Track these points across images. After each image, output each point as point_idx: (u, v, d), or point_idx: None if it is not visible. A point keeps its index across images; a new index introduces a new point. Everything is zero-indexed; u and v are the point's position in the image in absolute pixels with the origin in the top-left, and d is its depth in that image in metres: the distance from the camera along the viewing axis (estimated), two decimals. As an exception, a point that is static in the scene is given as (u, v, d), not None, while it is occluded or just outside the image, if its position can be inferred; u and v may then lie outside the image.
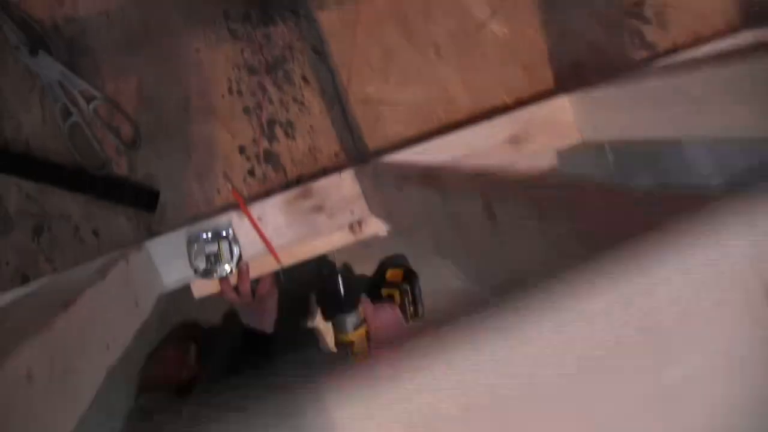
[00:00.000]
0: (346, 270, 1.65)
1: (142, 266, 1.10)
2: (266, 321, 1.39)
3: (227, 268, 1.20)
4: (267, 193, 1.24)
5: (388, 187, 0.95)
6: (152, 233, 1.21)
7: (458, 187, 0.56)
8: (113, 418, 1.47)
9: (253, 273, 1.32)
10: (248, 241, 1.22)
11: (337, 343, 1.45)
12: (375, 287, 1.62)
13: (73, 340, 0.68)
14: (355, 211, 1.26)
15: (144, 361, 1.56)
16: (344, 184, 1.23)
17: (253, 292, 1.35)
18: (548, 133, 1.23)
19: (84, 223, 1.18)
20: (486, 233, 0.46)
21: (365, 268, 1.71)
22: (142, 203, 1.18)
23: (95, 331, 0.76)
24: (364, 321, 1.44)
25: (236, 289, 1.31)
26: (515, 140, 1.23)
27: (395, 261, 1.68)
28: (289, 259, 1.32)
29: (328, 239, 1.29)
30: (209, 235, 1.18)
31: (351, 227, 1.32)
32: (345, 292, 1.44)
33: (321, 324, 1.69)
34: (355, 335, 1.43)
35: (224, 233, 1.19)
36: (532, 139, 1.24)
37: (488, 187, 0.48)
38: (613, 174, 1.81)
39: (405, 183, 0.82)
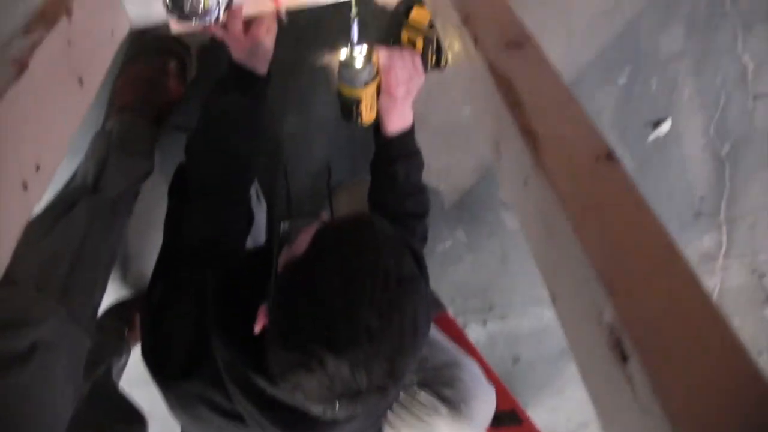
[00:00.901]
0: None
1: (95, 10, 0.82)
2: (259, 61, 1.15)
3: (213, 15, 0.93)
4: None
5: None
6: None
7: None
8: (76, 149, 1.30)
9: (249, 12, 1.05)
10: (243, -22, 0.93)
11: (342, 94, 1.22)
12: (396, 26, 1.34)
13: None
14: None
15: (114, 79, 1.32)
16: None
17: (247, 31, 1.08)
18: None
19: None
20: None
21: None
22: None
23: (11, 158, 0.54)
24: (377, 73, 1.19)
25: (226, 26, 1.05)
26: None
27: (424, -4, 1.38)
28: (294, 2, 1.04)
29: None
30: (192, -32, 0.88)
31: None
32: (359, 29, 1.16)
33: (333, 61, 1.43)
34: (364, 91, 1.19)
35: (211, -31, 0.89)
36: None
37: None
38: None
39: None
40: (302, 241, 0.89)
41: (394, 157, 1.26)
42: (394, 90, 1.19)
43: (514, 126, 0.40)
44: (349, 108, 1.22)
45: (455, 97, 1.54)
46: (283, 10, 1.00)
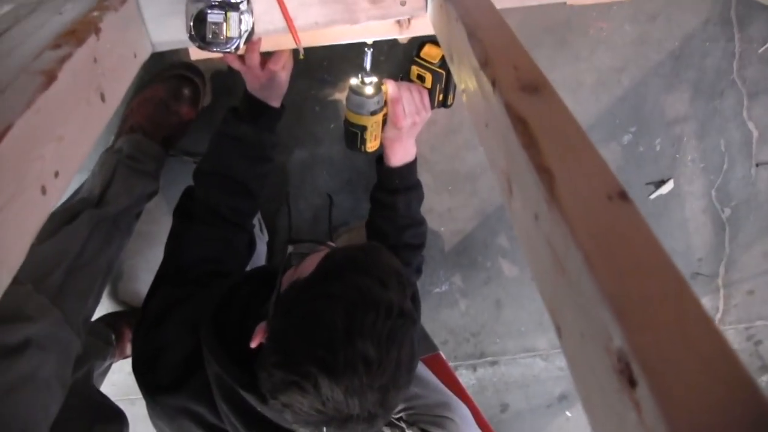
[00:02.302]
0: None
1: (121, 31, 0.84)
2: (273, 94, 1.18)
3: (233, 44, 0.95)
4: (300, -47, 0.96)
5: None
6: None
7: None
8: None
9: (267, 47, 1.07)
10: (265, 12, 0.97)
11: (348, 121, 1.24)
12: (407, 61, 1.37)
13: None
14: (409, 3, 0.98)
15: (127, 101, 1.35)
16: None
17: (264, 64, 1.10)
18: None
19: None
20: None
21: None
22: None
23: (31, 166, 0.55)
24: (384, 104, 1.22)
25: (243, 57, 1.08)
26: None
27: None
28: (312, 40, 1.06)
29: (365, 26, 1.01)
30: (217, -1, 0.91)
31: (398, 21, 1.04)
32: (372, 63, 1.18)
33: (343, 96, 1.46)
34: (371, 120, 1.21)
35: (236, 0, 0.92)
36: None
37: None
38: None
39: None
40: (309, 264, 0.89)
41: (395, 188, 1.28)
42: (400, 122, 1.21)
43: (528, 165, 0.41)
44: (354, 135, 1.24)
45: (460, 143, 1.57)
46: (301, 47, 1.03)
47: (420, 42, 1.34)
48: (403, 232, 1.31)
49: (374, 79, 1.18)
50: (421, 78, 1.30)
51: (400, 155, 1.26)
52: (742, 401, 0.26)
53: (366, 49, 1.16)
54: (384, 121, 1.24)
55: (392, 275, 0.85)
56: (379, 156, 1.31)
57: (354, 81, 1.18)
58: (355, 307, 0.79)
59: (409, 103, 1.21)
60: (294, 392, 0.78)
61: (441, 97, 1.33)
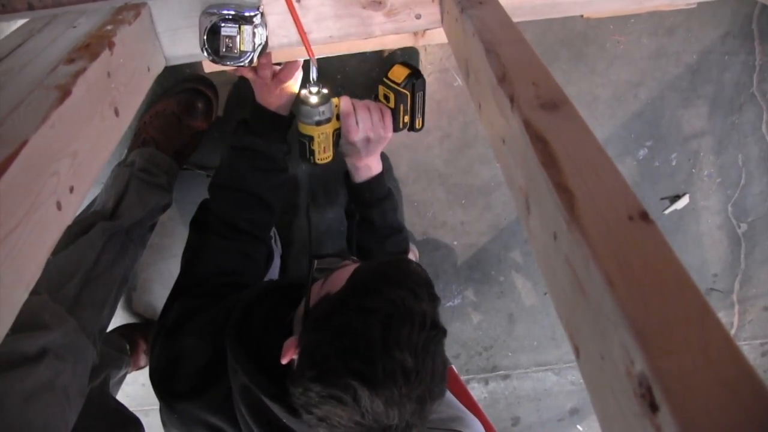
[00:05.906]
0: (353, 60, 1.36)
1: (134, 45, 0.84)
2: (282, 103, 1.18)
3: (247, 58, 0.95)
4: (316, -33, 0.96)
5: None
6: (161, -14, 0.94)
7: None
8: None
9: (280, 57, 1.07)
10: (279, 26, 0.97)
11: (298, 131, 1.24)
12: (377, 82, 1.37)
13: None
14: (424, 17, 0.98)
15: (140, 115, 1.35)
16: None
17: (274, 74, 1.11)
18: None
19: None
20: None
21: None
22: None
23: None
24: (334, 117, 1.22)
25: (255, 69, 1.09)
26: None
27: (411, 59, 1.40)
28: (325, 51, 1.06)
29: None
30: (231, 12, 0.91)
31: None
32: (318, 72, 1.16)
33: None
34: (317, 130, 1.21)
35: (250, 13, 0.92)
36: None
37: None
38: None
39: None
40: (338, 279, 0.89)
41: (366, 202, 1.31)
42: (352, 136, 1.22)
43: (548, 184, 0.41)
44: (302, 145, 1.25)
45: (474, 157, 1.56)
46: (315, 61, 1.03)
47: (392, 63, 1.34)
48: (384, 242, 1.33)
49: (321, 89, 1.17)
50: (386, 98, 1.31)
51: (362, 172, 1.29)
52: (765, 427, 0.25)
53: (312, 61, 1.14)
54: (337, 135, 1.25)
55: (423, 287, 0.85)
56: (346, 172, 1.33)
57: (303, 91, 1.18)
58: (390, 319, 0.79)
59: (364, 119, 1.22)
60: (332, 405, 0.77)
61: (407, 118, 1.33)
